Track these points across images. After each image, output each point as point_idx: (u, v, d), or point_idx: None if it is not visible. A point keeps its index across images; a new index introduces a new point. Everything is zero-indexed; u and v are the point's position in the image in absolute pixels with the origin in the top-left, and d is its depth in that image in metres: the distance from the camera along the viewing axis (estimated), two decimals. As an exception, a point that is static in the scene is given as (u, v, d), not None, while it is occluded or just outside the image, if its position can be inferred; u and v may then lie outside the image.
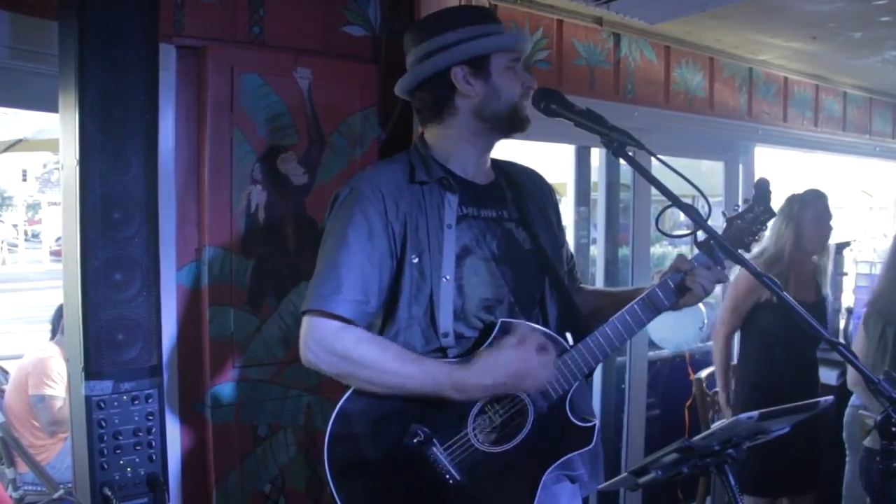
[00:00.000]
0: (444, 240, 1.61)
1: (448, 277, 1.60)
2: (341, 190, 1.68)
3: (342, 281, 1.55)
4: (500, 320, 1.62)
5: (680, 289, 1.65)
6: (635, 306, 1.65)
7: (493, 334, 1.60)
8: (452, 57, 1.67)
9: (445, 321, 1.60)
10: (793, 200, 3.43)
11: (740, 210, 1.73)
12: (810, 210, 3.40)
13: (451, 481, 1.54)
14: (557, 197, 1.98)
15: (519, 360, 1.54)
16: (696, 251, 1.70)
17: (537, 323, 1.70)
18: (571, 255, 1.96)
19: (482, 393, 1.56)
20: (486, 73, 1.68)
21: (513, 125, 1.71)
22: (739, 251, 1.59)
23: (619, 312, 1.65)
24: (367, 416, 1.56)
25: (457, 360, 1.59)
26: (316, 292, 1.57)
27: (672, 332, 3.17)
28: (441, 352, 1.61)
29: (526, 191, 1.81)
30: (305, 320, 1.58)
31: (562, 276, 1.77)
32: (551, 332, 1.66)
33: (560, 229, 1.89)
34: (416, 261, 1.60)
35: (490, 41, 1.69)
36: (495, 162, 1.84)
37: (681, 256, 1.69)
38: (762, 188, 1.72)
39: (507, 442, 1.60)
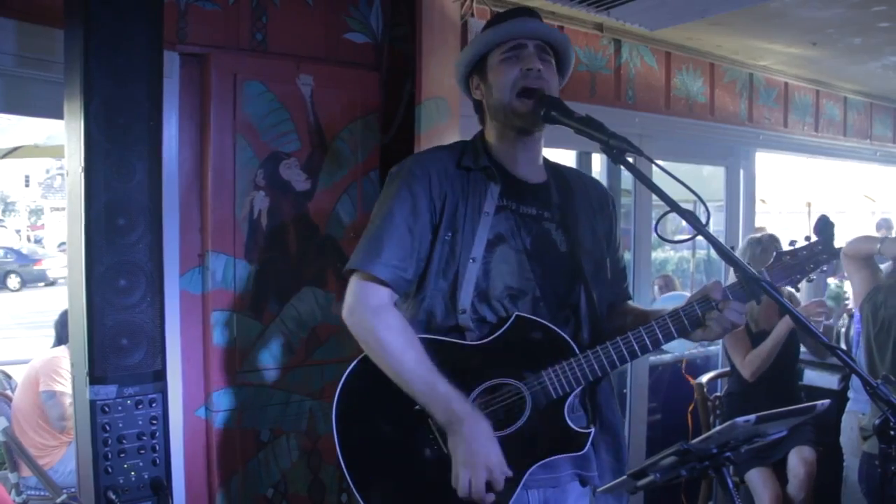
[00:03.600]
0: (478, 225, 1.68)
1: (475, 259, 1.66)
2: (395, 167, 1.78)
3: (383, 247, 1.65)
4: (515, 314, 1.66)
5: (705, 316, 1.62)
6: (655, 325, 1.64)
7: (506, 325, 1.66)
8: (463, 70, 1.82)
9: (465, 299, 1.66)
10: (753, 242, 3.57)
11: (796, 246, 1.68)
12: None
13: (440, 451, 1.60)
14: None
15: (490, 461, 1.55)
16: (732, 279, 1.66)
17: (566, 326, 1.71)
18: (623, 269, 1.95)
19: (452, 429, 1.57)
20: (485, 73, 1.77)
21: (510, 121, 1.73)
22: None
23: (638, 329, 1.65)
24: (377, 377, 1.63)
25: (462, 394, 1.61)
26: (359, 255, 1.68)
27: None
28: (457, 330, 1.67)
29: (577, 199, 1.83)
30: (352, 281, 1.69)
31: (592, 286, 1.76)
32: (564, 336, 1.67)
33: (610, 243, 1.88)
34: (448, 238, 1.68)
35: (479, 41, 1.77)
36: (554, 165, 1.89)
37: (716, 283, 1.65)
38: (825, 226, 1.67)
39: (500, 429, 1.62)
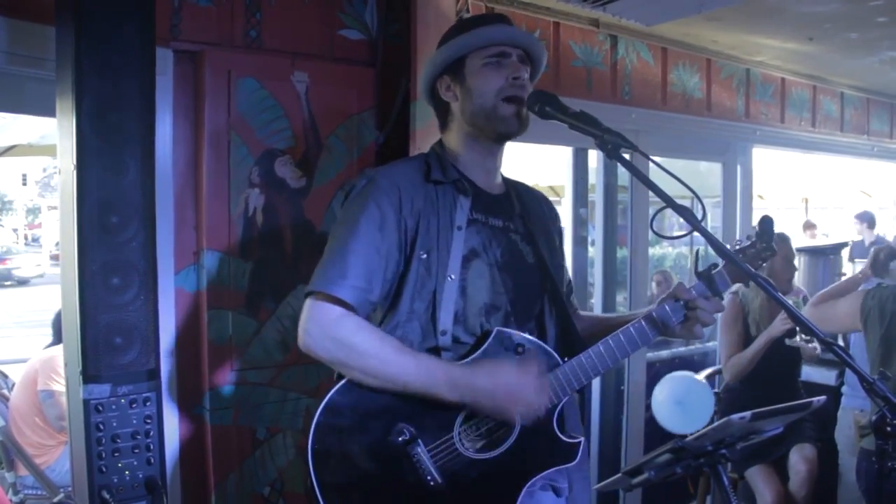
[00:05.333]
0: (452, 240, 1.62)
1: (453, 277, 1.60)
2: (358, 180, 1.69)
3: (348, 267, 1.55)
4: (496, 329, 1.62)
5: (677, 318, 1.66)
6: (631, 329, 1.65)
7: (488, 342, 1.61)
8: (433, 69, 1.75)
9: (445, 319, 1.60)
10: None
11: (741, 245, 1.74)
12: (780, 252, 3.50)
13: (431, 483, 1.55)
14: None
15: (518, 378, 1.54)
16: (695, 280, 1.69)
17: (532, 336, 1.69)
18: (570, 281, 1.95)
19: (472, 395, 1.54)
20: (462, 76, 1.71)
21: (491, 126, 1.70)
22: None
23: (615, 332, 1.65)
24: (355, 409, 1.56)
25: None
26: (321, 275, 1.57)
27: (682, 417, 3.19)
28: (436, 351, 1.61)
29: (532, 209, 1.83)
30: (307, 303, 1.58)
31: (562, 295, 1.77)
32: (545, 346, 1.66)
33: (562, 253, 1.89)
34: (424, 257, 1.61)
35: (460, 43, 1.71)
36: (506, 178, 1.86)
37: (680, 285, 1.68)
38: (766, 225, 1.72)
39: (491, 450, 1.60)
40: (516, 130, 1.70)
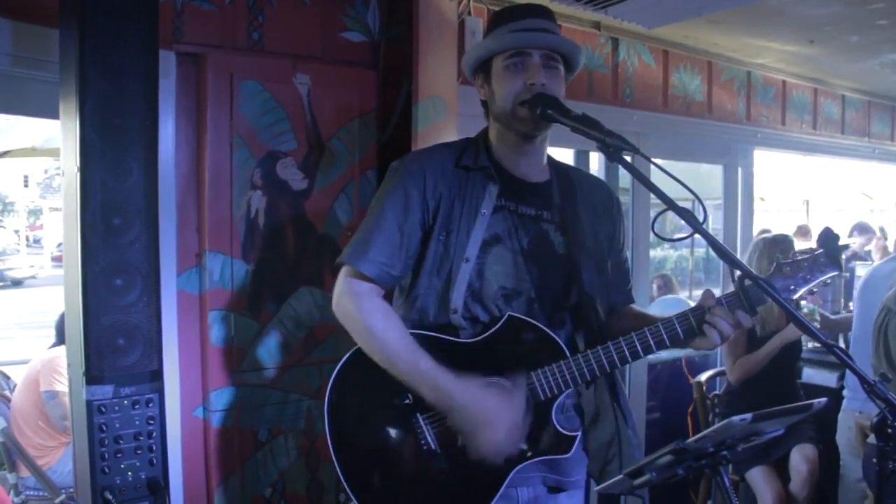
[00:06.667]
0: (474, 225, 1.68)
1: (468, 259, 1.66)
2: (395, 162, 1.79)
3: (371, 244, 1.67)
4: (507, 314, 1.66)
5: (699, 325, 1.60)
6: (647, 332, 1.62)
7: (498, 325, 1.65)
8: (468, 67, 1.81)
9: (457, 298, 1.66)
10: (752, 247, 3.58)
11: (797, 258, 1.65)
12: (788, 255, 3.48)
13: (424, 447, 1.62)
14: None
15: (496, 411, 1.56)
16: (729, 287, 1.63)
17: (561, 328, 1.72)
18: (626, 271, 1.94)
19: (447, 405, 1.57)
20: (489, 77, 1.75)
21: (513, 127, 1.72)
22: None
23: (630, 335, 1.63)
24: (370, 369, 1.64)
25: (448, 368, 1.60)
26: (349, 249, 1.71)
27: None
28: (451, 328, 1.67)
29: (580, 200, 1.81)
30: (341, 274, 1.72)
31: (590, 288, 1.75)
32: (555, 337, 1.66)
33: (613, 244, 1.87)
34: (442, 238, 1.69)
35: (485, 44, 1.75)
36: (559, 165, 1.87)
37: (707, 292, 1.64)
38: (828, 238, 1.62)
39: None
40: (533, 131, 1.71)
